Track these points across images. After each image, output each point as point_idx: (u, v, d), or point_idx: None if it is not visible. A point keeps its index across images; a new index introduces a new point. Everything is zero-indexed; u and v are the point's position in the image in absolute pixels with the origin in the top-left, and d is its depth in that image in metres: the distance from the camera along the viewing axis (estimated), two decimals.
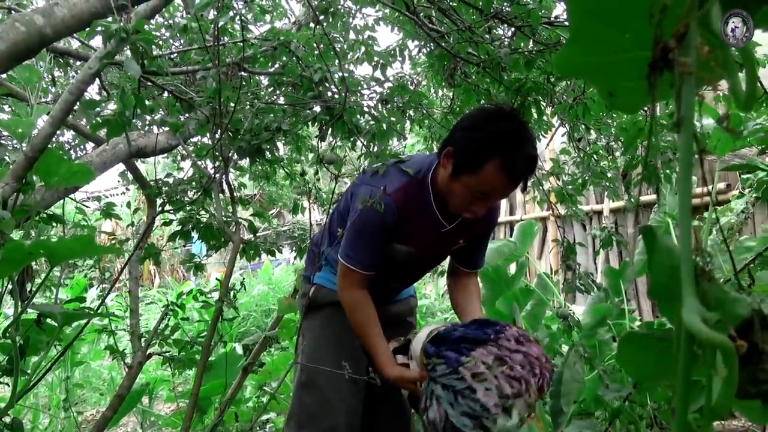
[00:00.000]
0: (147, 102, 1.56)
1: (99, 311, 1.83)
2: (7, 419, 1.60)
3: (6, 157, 2.23)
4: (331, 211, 1.83)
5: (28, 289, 1.79)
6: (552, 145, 4.23)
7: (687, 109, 0.35)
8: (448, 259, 1.87)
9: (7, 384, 1.96)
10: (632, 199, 2.56)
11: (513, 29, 1.97)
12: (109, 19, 1.23)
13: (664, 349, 0.40)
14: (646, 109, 2.24)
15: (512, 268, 3.78)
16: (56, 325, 1.48)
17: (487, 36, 2.15)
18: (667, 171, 2.31)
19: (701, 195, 4.36)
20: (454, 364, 1.35)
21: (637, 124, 1.99)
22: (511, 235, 4.36)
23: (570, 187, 2.40)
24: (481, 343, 1.38)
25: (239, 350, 3.82)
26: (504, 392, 1.30)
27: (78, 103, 1.44)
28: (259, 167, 3.06)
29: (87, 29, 1.29)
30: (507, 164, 1.39)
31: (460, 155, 1.46)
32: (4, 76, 2.13)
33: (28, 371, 1.58)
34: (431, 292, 7.42)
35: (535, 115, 2.00)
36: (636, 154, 2.17)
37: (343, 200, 1.72)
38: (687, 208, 0.34)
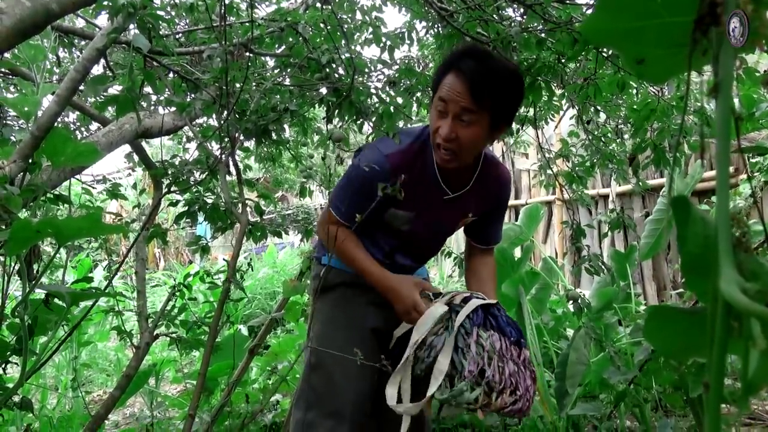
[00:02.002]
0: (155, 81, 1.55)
1: (107, 291, 1.84)
2: (16, 398, 1.62)
3: (12, 137, 2.23)
4: None
5: (35, 269, 1.79)
6: (559, 128, 4.20)
7: (725, 73, 0.33)
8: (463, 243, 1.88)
9: (16, 363, 1.97)
10: (640, 183, 2.54)
11: (523, 8, 1.94)
12: None
13: (693, 323, 0.39)
14: (657, 90, 2.22)
15: (517, 252, 3.77)
16: (64, 305, 1.48)
17: (495, 16, 2.12)
18: (677, 154, 2.29)
19: (708, 179, 4.33)
20: (474, 323, 1.43)
21: (648, 105, 1.96)
22: (516, 219, 4.35)
23: (579, 169, 2.38)
24: (502, 333, 1.45)
25: (244, 332, 3.84)
26: (485, 374, 1.37)
27: (85, 82, 1.43)
28: (265, 149, 3.05)
29: (93, 5, 1.27)
30: (455, 65, 1.46)
31: (432, 84, 1.56)
32: (7, 54, 2.12)
33: (36, 351, 1.59)
34: (435, 275, 7.42)
35: (545, 97, 1.98)
36: (646, 137, 2.14)
37: None
38: (725, 177, 0.33)
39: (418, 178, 1.58)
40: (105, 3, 1.16)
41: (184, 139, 3.06)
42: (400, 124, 2.33)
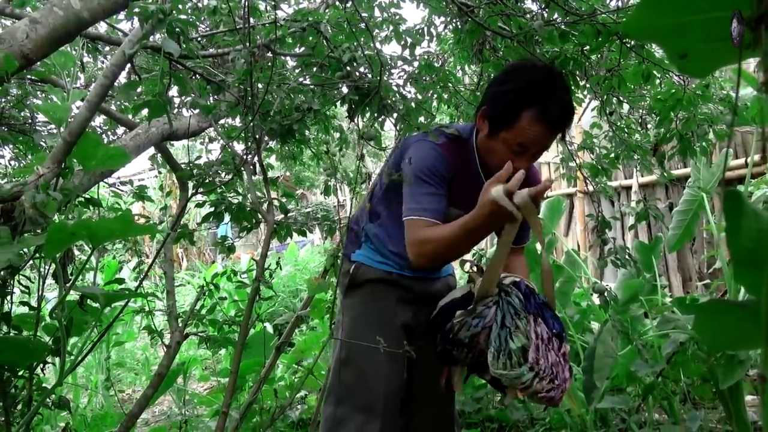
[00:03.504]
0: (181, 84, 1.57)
1: (137, 292, 1.87)
2: (53, 397, 1.66)
3: (42, 143, 2.28)
4: (368, 187, 1.84)
5: (69, 272, 1.83)
6: (580, 120, 4.16)
7: None
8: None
9: (52, 364, 2.02)
10: (665, 173, 2.52)
11: (545, 1, 1.93)
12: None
13: (744, 316, 0.39)
14: (683, 79, 2.19)
15: (538, 246, 3.75)
16: (98, 306, 1.51)
17: (515, 10, 2.11)
18: (703, 144, 2.26)
19: (736, 167, 4.26)
20: (529, 310, 1.45)
21: (674, 95, 1.94)
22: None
23: (604, 161, 2.36)
24: (546, 324, 1.47)
25: (269, 330, 3.88)
26: (531, 358, 1.40)
27: (113, 87, 1.46)
28: (286, 148, 3.07)
29: (122, 12, 1.29)
30: (542, 112, 1.41)
31: (495, 111, 1.48)
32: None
33: (71, 352, 1.63)
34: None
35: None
36: (671, 127, 2.12)
37: (388, 166, 1.72)
38: None
39: (465, 174, 1.60)
40: (135, 10, 1.18)
41: (206, 140, 3.10)
42: (421, 120, 2.33)
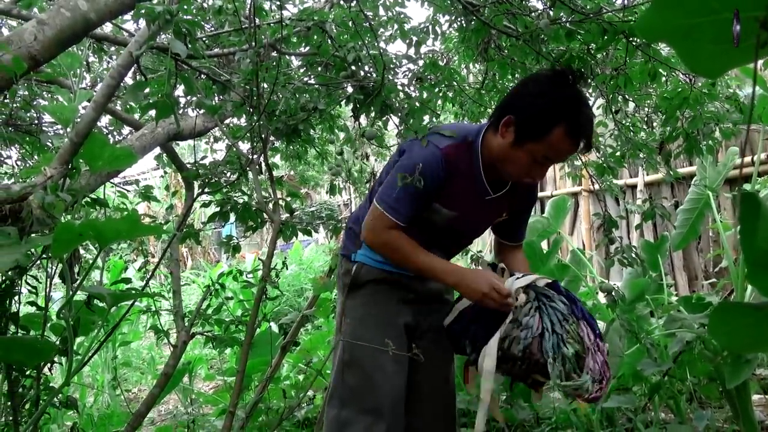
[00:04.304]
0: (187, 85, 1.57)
1: (144, 292, 1.88)
2: (60, 396, 1.67)
3: (48, 143, 2.28)
4: (370, 187, 1.84)
5: (76, 272, 1.83)
6: None
7: None
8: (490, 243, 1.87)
9: (60, 363, 2.02)
10: (671, 172, 2.51)
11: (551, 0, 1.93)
12: (153, 0, 1.24)
13: (759, 318, 0.39)
14: (689, 77, 2.19)
15: (544, 245, 3.74)
16: (105, 306, 1.51)
17: (521, 9, 2.11)
18: (710, 142, 2.25)
19: (742, 165, 4.24)
20: (576, 315, 1.47)
21: (681, 94, 1.94)
22: (542, 212, 4.31)
23: (611, 159, 2.35)
24: (590, 326, 1.49)
25: (275, 329, 3.88)
26: (588, 365, 1.42)
27: (120, 88, 1.46)
28: (291, 147, 3.08)
29: (129, 12, 1.29)
30: (572, 128, 1.45)
31: (525, 123, 1.49)
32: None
33: (77, 351, 1.63)
34: None
35: None
36: (677, 126, 2.11)
37: (388, 165, 1.72)
38: None
39: (465, 176, 1.59)
40: (142, 11, 1.18)
41: (212, 140, 3.10)
42: (426, 119, 2.33)
